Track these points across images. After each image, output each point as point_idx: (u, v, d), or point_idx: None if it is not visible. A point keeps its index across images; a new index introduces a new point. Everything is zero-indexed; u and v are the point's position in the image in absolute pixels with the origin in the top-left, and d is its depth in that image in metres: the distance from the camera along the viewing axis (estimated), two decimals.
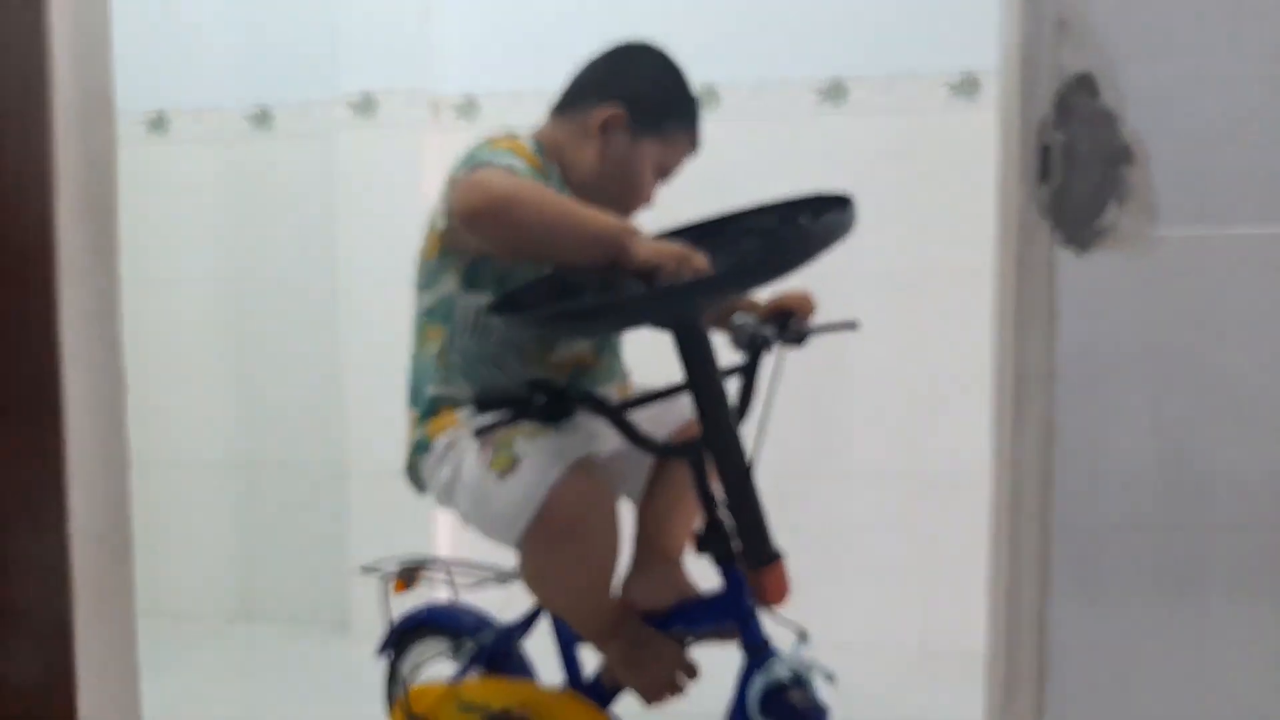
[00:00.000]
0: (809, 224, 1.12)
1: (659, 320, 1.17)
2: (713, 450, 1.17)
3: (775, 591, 1.16)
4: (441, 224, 1.29)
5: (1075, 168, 0.73)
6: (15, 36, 0.84)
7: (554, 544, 1.16)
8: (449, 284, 1.31)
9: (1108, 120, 0.72)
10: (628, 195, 1.32)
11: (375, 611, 1.51)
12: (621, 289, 1.14)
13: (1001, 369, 0.80)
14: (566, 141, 1.32)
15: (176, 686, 1.99)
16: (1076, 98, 0.72)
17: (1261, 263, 0.73)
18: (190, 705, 1.90)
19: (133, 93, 2.44)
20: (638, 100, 1.29)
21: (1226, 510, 0.76)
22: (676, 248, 1.06)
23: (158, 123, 2.40)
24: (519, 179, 1.16)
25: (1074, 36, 0.71)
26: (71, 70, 0.92)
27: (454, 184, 1.21)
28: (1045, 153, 0.74)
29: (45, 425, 0.90)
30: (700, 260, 1.05)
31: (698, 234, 1.34)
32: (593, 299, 1.15)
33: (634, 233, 1.10)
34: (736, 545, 1.19)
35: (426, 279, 1.34)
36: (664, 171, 1.35)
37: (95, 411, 0.96)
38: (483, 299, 1.29)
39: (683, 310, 1.12)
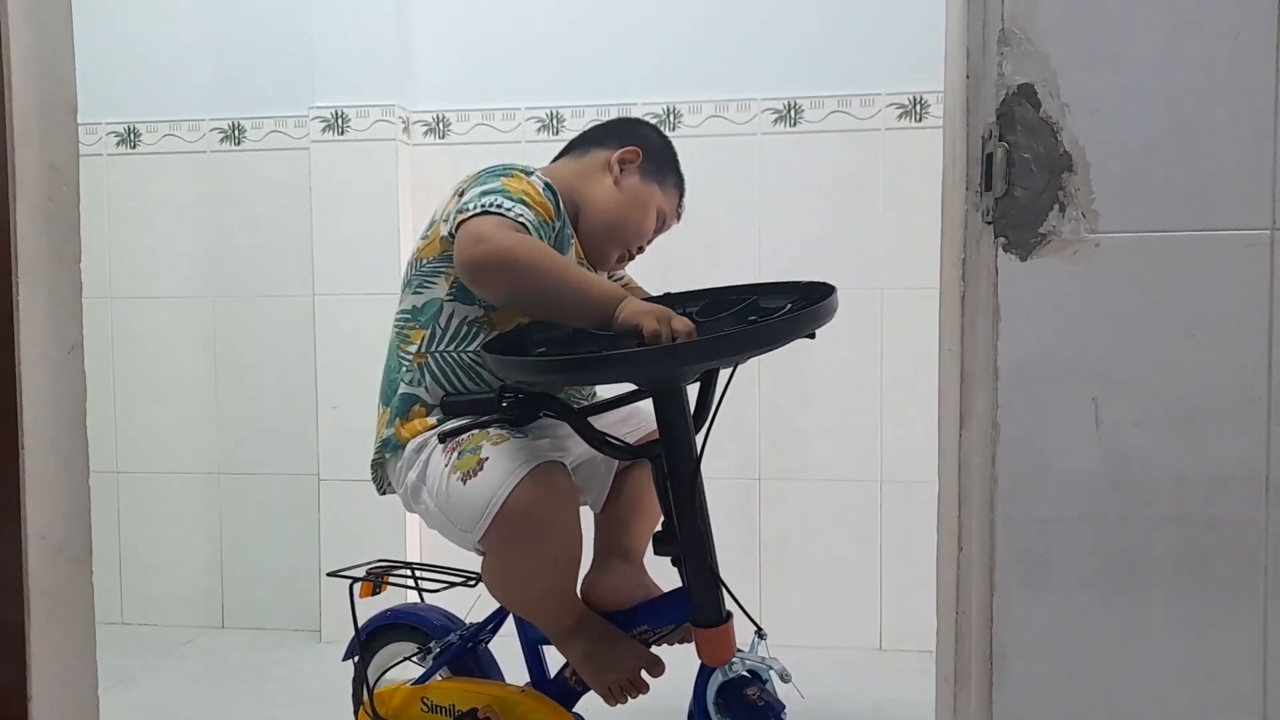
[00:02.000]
0: (794, 310, 1.17)
1: (640, 378, 1.20)
2: (676, 510, 1.19)
3: (717, 655, 1.19)
4: (445, 230, 1.30)
5: (1017, 176, 0.76)
6: None
7: (514, 545, 1.18)
8: (440, 289, 1.32)
9: (1049, 129, 0.75)
10: (634, 228, 1.41)
11: (346, 619, 1.51)
12: (610, 345, 1.18)
13: (947, 370, 0.83)
14: (581, 176, 1.40)
15: (151, 694, 1.97)
16: (1019, 108, 0.75)
17: (1195, 263, 0.76)
18: (162, 713, 1.88)
19: (106, 106, 2.44)
20: (648, 149, 1.42)
21: (1165, 504, 0.79)
22: (661, 313, 1.11)
23: (129, 136, 2.38)
24: (522, 240, 1.19)
25: (1016, 49, 0.74)
26: (31, 75, 0.92)
27: (464, 218, 1.23)
28: (988, 161, 0.77)
29: (1, 432, 0.89)
30: (682, 325, 1.09)
31: (700, 299, 1.40)
32: (580, 352, 1.19)
33: (624, 299, 1.15)
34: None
35: (418, 281, 1.35)
36: (660, 223, 1.45)
37: (54, 419, 0.95)
38: (471, 310, 1.32)
39: (663, 371, 1.15)
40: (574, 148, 1.46)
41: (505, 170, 1.30)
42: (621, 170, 1.39)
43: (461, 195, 1.29)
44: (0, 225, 0.87)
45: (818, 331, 1.35)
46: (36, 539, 0.93)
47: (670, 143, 1.47)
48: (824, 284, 1.22)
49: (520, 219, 1.21)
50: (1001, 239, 0.76)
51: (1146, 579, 0.80)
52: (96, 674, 1.01)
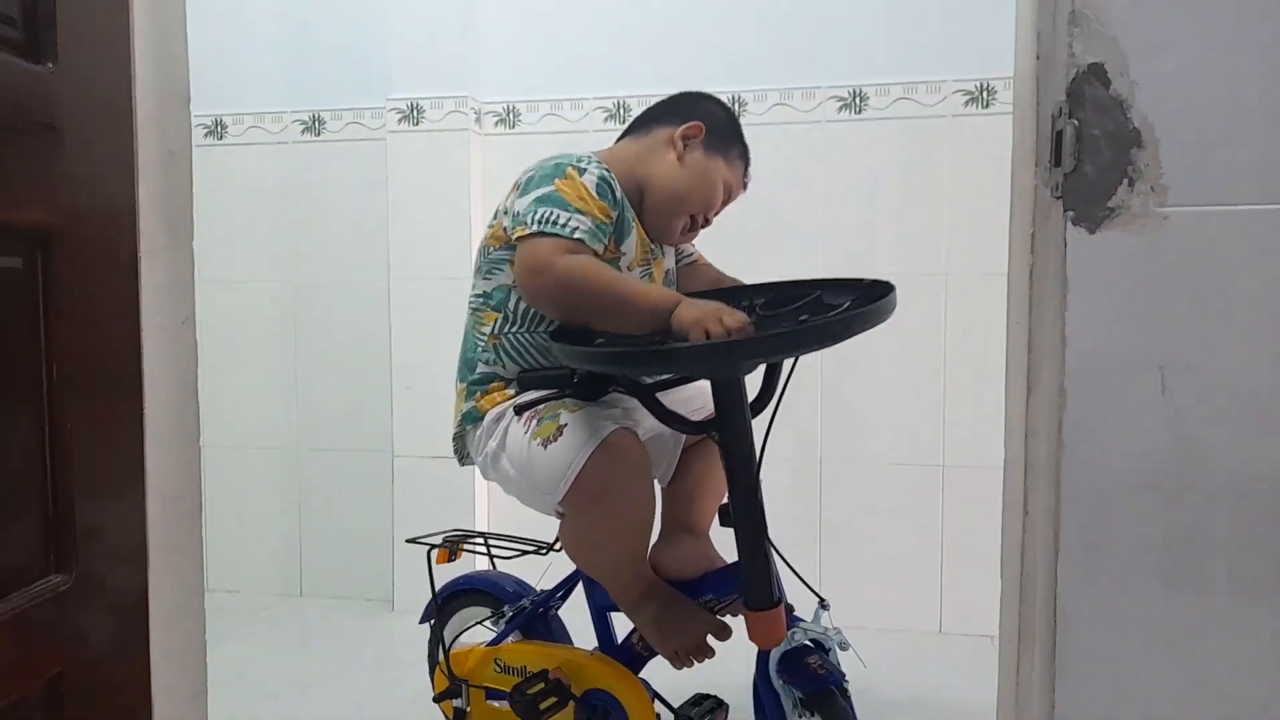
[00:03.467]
0: (853, 305, 1.20)
1: (702, 370, 1.24)
2: (733, 498, 1.22)
3: (766, 636, 1.22)
4: (507, 222, 1.35)
5: (1086, 152, 0.78)
6: (104, 36, 0.91)
7: (594, 507, 1.23)
8: (506, 275, 1.38)
9: (1118, 107, 0.78)
10: (701, 200, 1.43)
11: (418, 588, 1.59)
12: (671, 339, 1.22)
13: (1015, 341, 0.86)
14: (643, 156, 1.44)
15: (234, 656, 2.09)
16: (1088, 87, 0.77)
17: (1263, 238, 0.78)
18: (244, 675, 1.99)
19: (194, 99, 2.51)
20: (710, 124, 1.43)
21: (1227, 480, 0.81)
22: (713, 314, 1.14)
23: (216, 128, 2.50)
24: (577, 267, 1.25)
25: (1086, 29, 0.77)
26: (150, 65, 0.99)
27: (522, 234, 1.29)
28: (1058, 138, 0.79)
29: (127, 397, 0.96)
30: (734, 321, 1.12)
31: (766, 292, 1.44)
32: (644, 345, 1.23)
33: (678, 305, 1.18)
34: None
35: (487, 267, 1.41)
36: (727, 195, 1.47)
37: (171, 384, 1.02)
38: None
39: (717, 367, 1.19)
40: (636, 127, 1.49)
41: (559, 169, 1.32)
42: (685, 145, 1.42)
43: (522, 191, 1.34)
44: (128, 206, 0.94)
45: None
46: (155, 494, 1.00)
47: (733, 114, 1.49)
48: (884, 283, 1.24)
49: (575, 234, 1.26)
50: (1070, 213, 0.79)
51: (1208, 556, 0.82)
52: (205, 630, 1.08)
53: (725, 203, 1.48)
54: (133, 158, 0.96)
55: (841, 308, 1.24)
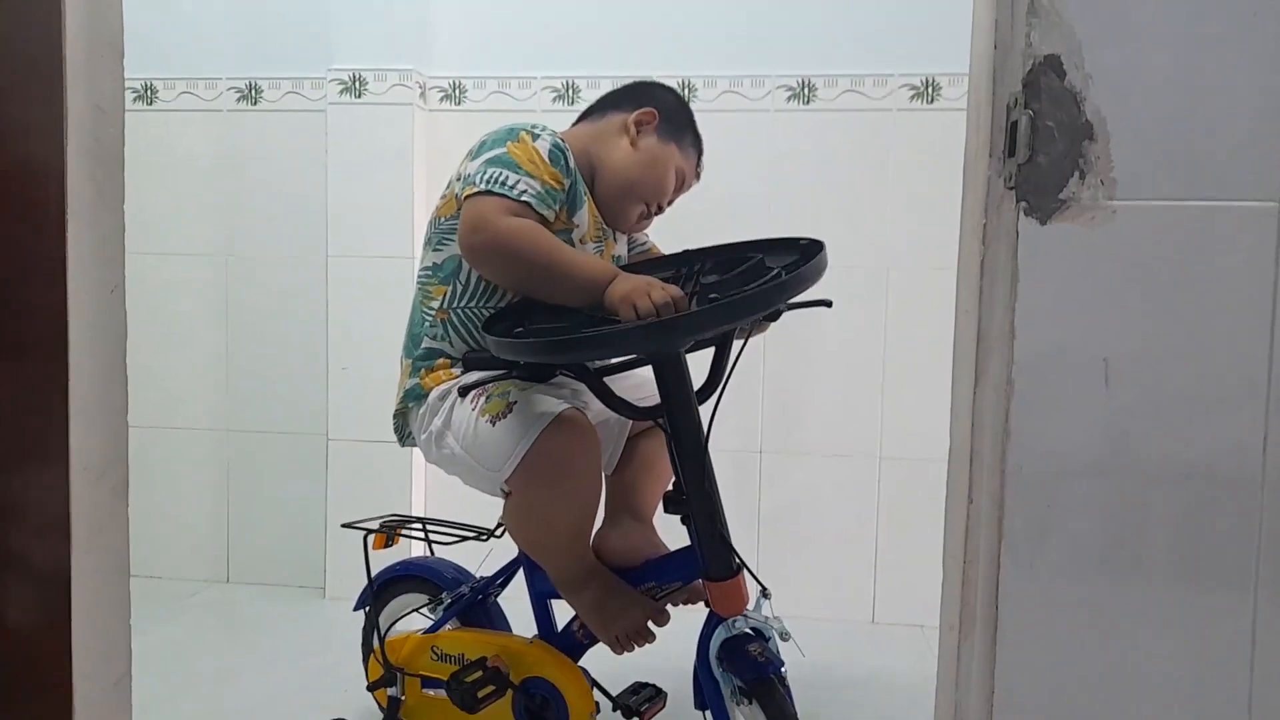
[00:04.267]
0: (784, 273, 1.19)
1: (634, 350, 1.23)
2: (685, 473, 1.22)
3: (729, 605, 1.23)
4: (458, 187, 1.33)
5: (1040, 143, 0.79)
6: None
7: (541, 486, 1.22)
8: (456, 246, 1.35)
9: (1072, 99, 0.79)
10: (654, 187, 1.43)
11: (351, 575, 1.55)
12: (604, 320, 1.22)
13: (963, 330, 0.87)
14: (597, 139, 1.43)
15: (158, 643, 2.02)
16: (1044, 78, 0.78)
17: (1204, 233, 0.80)
18: (169, 662, 1.92)
19: (124, 60, 2.41)
20: (665, 110, 1.44)
21: (1165, 467, 0.83)
22: (640, 291, 1.14)
23: (145, 92, 2.39)
24: (517, 228, 1.24)
25: (1044, 20, 0.78)
26: (82, 13, 0.94)
27: (470, 192, 1.27)
28: (1012, 129, 0.80)
29: (52, 364, 0.92)
30: (662, 296, 1.12)
31: (711, 255, 1.44)
32: (569, 334, 1.22)
33: (612, 280, 1.18)
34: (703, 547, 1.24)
35: (438, 238, 1.39)
36: (679, 182, 1.47)
37: (98, 354, 0.98)
38: None
39: (652, 344, 1.19)
40: (591, 113, 1.49)
41: (513, 132, 1.33)
42: (638, 131, 1.42)
43: (475, 154, 1.32)
44: (56, 164, 0.90)
45: (833, 300, 1.40)
46: (79, 468, 0.95)
47: (686, 104, 1.50)
48: (817, 242, 1.25)
49: (523, 196, 1.25)
50: (1023, 203, 0.80)
51: (1145, 542, 0.84)
52: (129, 609, 1.04)
53: (679, 191, 1.48)
54: (62, 111, 0.91)
55: (774, 273, 1.24)
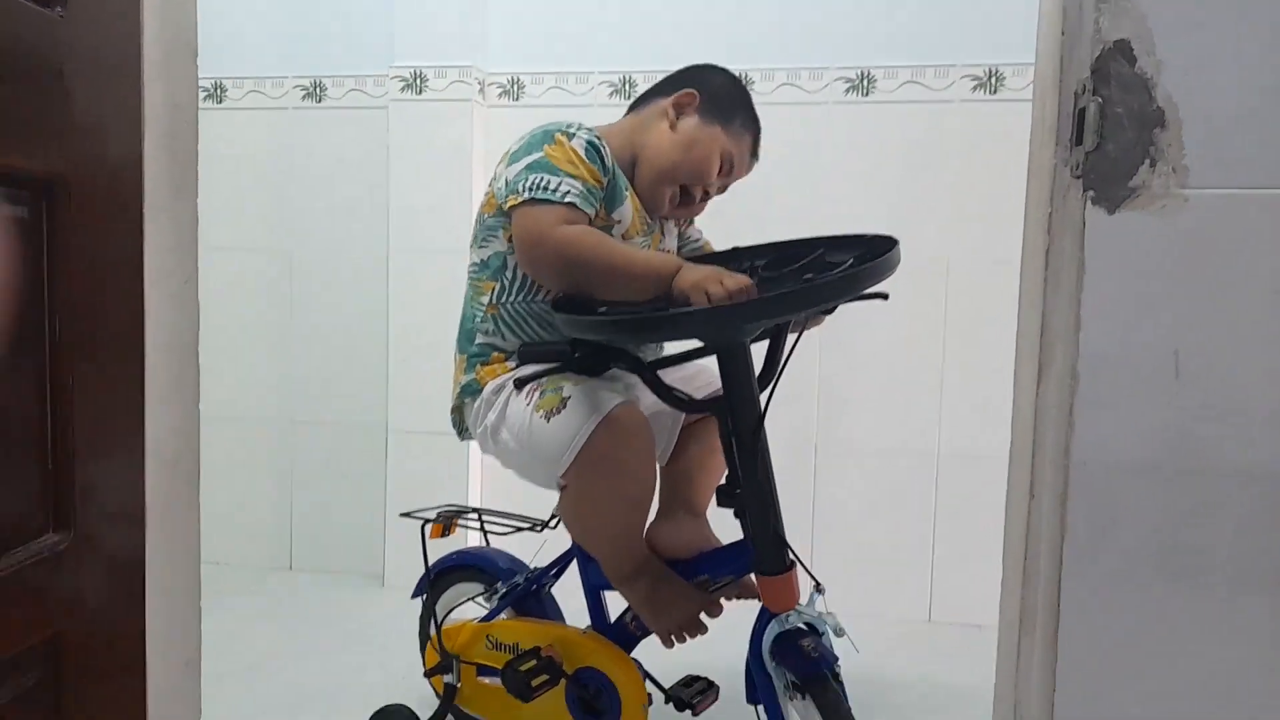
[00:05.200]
0: (854, 265, 1.18)
1: (706, 334, 1.23)
2: (740, 464, 1.22)
3: (781, 601, 1.22)
4: (499, 188, 1.35)
5: (1109, 130, 0.77)
6: None
7: (597, 479, 1.23)
8: (501, 242, 1.37)
9: (1142, 85, 0.77)
10: (695, 169, 1.40)
11: (409, 564, 1.58)
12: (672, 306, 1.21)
13: (1026, 323, 0.85)
14: (639, 129, 1.42)
15: (221, 626, 2.07)
16: (1114, 64, 0.77)
17: None
18: (233, 647, 1.98)
19: None
20: (709, 91, 1.41)
21: (1238, 467, 0.81)
22: (712, 277, 1.13)
23: (215, 91, 2.46)
24: (576, 237, 1.24)
25: (1114, 6, 0.76)
26: (160, 17, 0.97)
27: (515, 202, 1.28)
28: (1080, 116, 0.78)
29: (129, 356, 0.95)
30: (734, 283, 1.11)
31: (767, 253, 1.42)
32: (646, 311, 1.22)
33: (678, 271, 1.17)
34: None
35: (482, 235, 1.40)
36: (728, 166, 1.42)
37: (172, 343, 1.01)
38: None
39: (722, 329, 1.18)
40: (637, 103, 1.48)
41: (549, 135, 1.32)
42: (678, 114, 1.40)
43: (512, 159, 1.33)
44: (134, 159, 0.93)
45: (890, 292, 1.38)
46: (154, 455, 0.99)
47: (738, 83, 1.46)
48: (887, 237, 1.23)
49: (567, 198, 1.25)
50: (1090, 192, 0.78)
51: (1212, 545, 0.82)
52: (200, 593, 1.07)
53: (728, 174, 1.44)
54: (139, 109, 0.94)
55: (844, 265, 1.23)
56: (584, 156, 1.30)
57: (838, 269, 1.25)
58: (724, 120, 1.40)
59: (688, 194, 1.42)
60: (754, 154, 1.46)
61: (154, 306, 0.98)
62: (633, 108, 1.49)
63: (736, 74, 1.50)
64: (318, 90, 2.42)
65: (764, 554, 1.22)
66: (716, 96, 1.41)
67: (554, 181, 1.26)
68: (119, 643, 0.93)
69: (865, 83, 2.18)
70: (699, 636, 1.34)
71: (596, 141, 1.34)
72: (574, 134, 1.33)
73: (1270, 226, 0.77)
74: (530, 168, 1.29)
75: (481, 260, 1.41)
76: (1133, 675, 0.83)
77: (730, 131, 1.41)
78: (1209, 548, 0.82)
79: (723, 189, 1.47)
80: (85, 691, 0.86)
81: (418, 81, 2.27)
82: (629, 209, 1.37)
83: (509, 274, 1.37)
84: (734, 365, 1.21)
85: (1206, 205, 0.78)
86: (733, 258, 1.45)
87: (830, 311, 1.39)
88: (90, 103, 0.85)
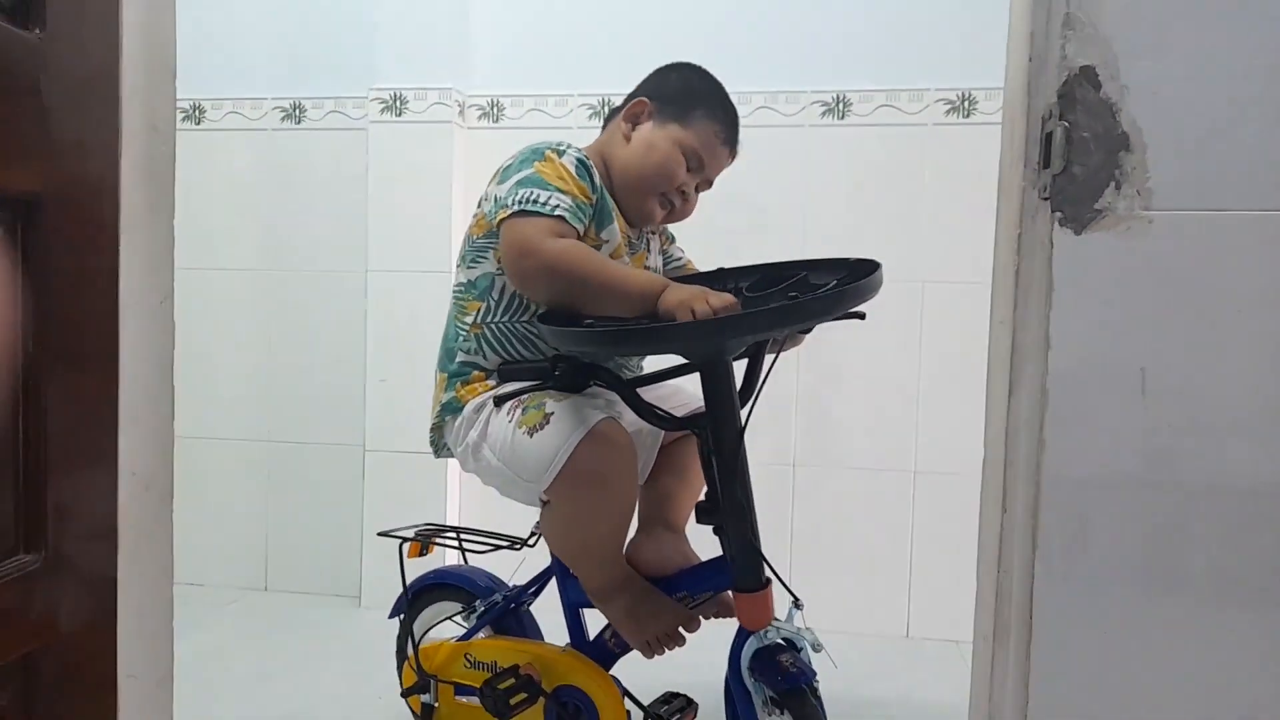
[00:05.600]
0: (839, 285, 1.21)
1: (690, 350, 1.24)
2: (720, 480, 1.22)
3: (755, 619, 1.22)
4: (489, 208, 1.36)
5: (1076, 154, 0.79)
6: (94, 5, 0.89)
7: (580, 495, 1.23)
8: (490, 264, 1.38)
9: (1108, 110, 0.79)
10: (659, 174, 1.40)
11: (386, 584, 1.57)
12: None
13: (998, 342, 0.87)
14: (608, 143, 1.44)
15: (197, 647, 2.05)
16: (1080, 89, 0.79)
17: (1246, 242, 0.80)
18: (208, 667, 1.96)
19: None
20: (663, 92, 1.41)
21: (1205, 480, 0.83)
22: (698, 295, 1.14)
23: (194, 112, 2.46)
24: (564, 250, 1.24)
25: (1080, 33, 0.78)
26: (139, 38, 0.97)
27: (505, 216, 1.28)
28: (1048, 140, 0.80)
29: (103, 374, 0.94)
30: (720, 301, 1.12)
31: (752, 274, 1.44)
32: (631, 324, 1.23)
33: (664, 290, 1.18)
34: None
35: (471, 255, 1.41)
36: (697, 161, 1.41)
37: (147, 363, 1.01)
38: None
39: (707, 344, 1.19)
40: (606, 120, 1.51)
41: (538, 152, 1.34)
42: (633, 125, 1.41)
43: (502, 177, 1.34)
44: (111, 178, 0.93)
45: (868, 312, 1.40)
46: (128, 474, 0.98)
47: (700, 77, 1.44)
48: (870, 261, 1.25)
49: (556, 211, 1.26)
50: (1058, 214, 0.80)
51: (1183, 558, 0.83)
52: (173, 612, 1.06)
53: (699, 169, 1.42)
54: (117, 129, 0.95)
55: (827, 286, 1.25)
56: (574, 173, 1.32)
57: (820, 290, 1.26)
58: (680, 118, 1.39)
59: (666, 199, 1.42)
60: (727, 143, 1.43)
61: (129, 325, 0.97)
62: (604, 125, 1.52)
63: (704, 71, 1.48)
64: (297, 111, 2.43)
65: (742, 571, 1.23)
66: (669, 97, 1.41)
67: (544, 195, 1.27)
68: (91, 661, 0.92)
69: (841, 106, 2.21)
70: (677, 649, 1.34)
71: (585, 160, 1.35)
72: (564, 151, 1.34)
73: (1232, 247, 0.79)
74: (521, 183, 1.29)
75: (469, 280, 1.41)
76: (1105, 687, 0.84)
77: (690, 126, 1.39)
78: (1180, 561, 0.83)
79: (707, 185, 1.46)
80: (57, 710, 0.85)
81: (398, 103, 2.28)
82: (616, 229, 1.39)
83: (495, 294, 1.38)
84: (716, 382, 1.22)
85: (1170, 226, 0.80)
86: (717, 278, 1.47)
87: (807, 332, 1.40)
88: (68, 123, 0.85)
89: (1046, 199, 0.81)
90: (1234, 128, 0.79)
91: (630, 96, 1.47)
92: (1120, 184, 0.79)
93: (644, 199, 1.42)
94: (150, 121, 1.00)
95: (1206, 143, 0.79)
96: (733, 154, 1.46)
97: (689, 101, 1.41)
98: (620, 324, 1.25)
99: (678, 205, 1.44)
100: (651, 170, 1.39)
